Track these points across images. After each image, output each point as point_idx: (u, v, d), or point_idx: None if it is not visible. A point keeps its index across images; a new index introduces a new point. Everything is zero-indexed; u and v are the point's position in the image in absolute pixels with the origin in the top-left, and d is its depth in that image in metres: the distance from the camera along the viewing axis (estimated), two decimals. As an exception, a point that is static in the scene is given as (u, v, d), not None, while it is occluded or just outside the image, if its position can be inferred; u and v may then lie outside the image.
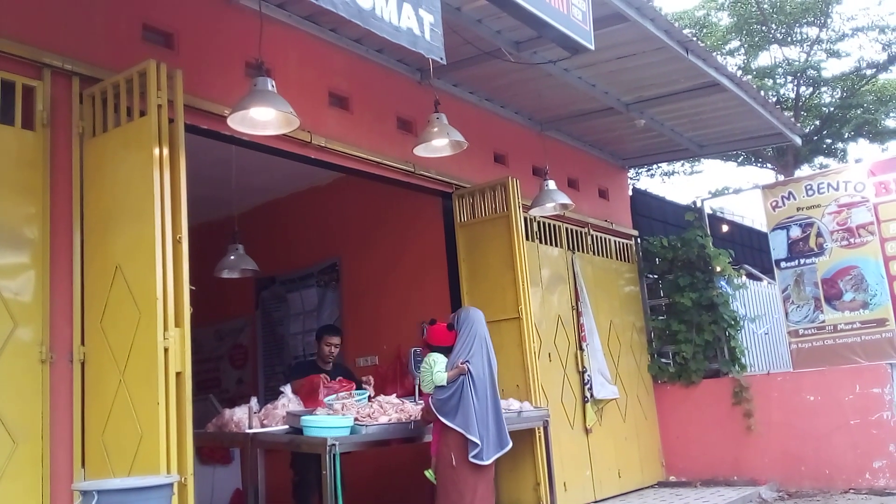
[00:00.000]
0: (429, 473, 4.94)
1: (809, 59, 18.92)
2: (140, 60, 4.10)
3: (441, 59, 3.98)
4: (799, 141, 9.36)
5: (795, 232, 8.57)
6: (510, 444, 4.95)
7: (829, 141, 20.05)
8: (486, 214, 6.71)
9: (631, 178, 11.87)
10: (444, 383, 4.80)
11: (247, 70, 5.07)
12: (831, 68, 19.26)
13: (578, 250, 8.16)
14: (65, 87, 4.18)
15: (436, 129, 5.22)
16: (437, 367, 4.86)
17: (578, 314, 7.80)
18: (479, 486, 4.79)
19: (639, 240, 9.36)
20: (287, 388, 5.49)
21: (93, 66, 4.27)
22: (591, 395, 7.64)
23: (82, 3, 4.34)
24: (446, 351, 4.99)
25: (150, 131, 3.95)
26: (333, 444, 4.47)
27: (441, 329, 5.11)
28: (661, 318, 9.13)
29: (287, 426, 5.02)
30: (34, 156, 3.98)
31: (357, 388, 5.58)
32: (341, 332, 6.80)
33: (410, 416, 5.13)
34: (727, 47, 19.32)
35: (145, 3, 4.66)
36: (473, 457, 4.72)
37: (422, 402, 5.22)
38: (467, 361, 4.87)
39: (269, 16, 5.19)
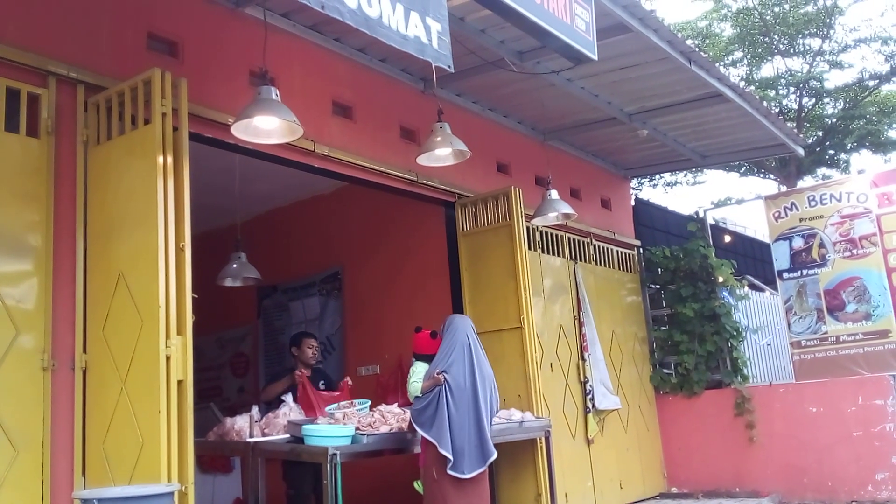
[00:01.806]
0: (417, 485, 4.91)
1: (812, 70, 18.93)
2: (145, 69, 4.11)
3: (449, 66, 3.98)
4: (801, 152, 9.36)
5: (798, 243, 8.56)
6: (494, 455, 4.86)
7: (831, 152, 20.02)
8: (488, 224, 6.72)
9: (633, 189, 11.87)
10: (419, 394, 4.76)
11: (251, 79, 5.08)
12: (834, 79, 19.31)
13: (581, 260, 8.15)
14: (69, 95, 4.19)
15: (439, 139, 5.23)
16: (413, 377, 4.84)
17: (580, 324, 7.79)
18: (464, 500, 4.70)
19: (641, 250, 9.36)
20: (288, 397, 5.48)
21: (98, 75, 4.28)
22: (593, 406, 7.62)
23: (88, 11, 4.36)
24: (430, 359, 4.95)
25: (154, 139, 3.96)
26: (334, 454, 4.47)
27: (424, 337, 5.09)
28: (663, 328, 9.12)
29: (288, 435, 5.01)
30: (38, 163, 3.99)
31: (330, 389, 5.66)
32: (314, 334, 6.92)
33: (411, 426, 5.12)
34: (730, 58, 19.33)
35: (150, 11, 4.68)
36: (451, 469, 4.65)
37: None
38: (444, 371, 4.80)
39: (273, 25, 5.21)
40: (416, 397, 4.79)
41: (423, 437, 4.80)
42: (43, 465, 3.78)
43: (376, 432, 4.90)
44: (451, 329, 5.03)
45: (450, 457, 4.63)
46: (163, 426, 3.67)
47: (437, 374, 4.78)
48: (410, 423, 4.90)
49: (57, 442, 3.86)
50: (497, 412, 5.28)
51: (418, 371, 4.88)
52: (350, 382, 5.98)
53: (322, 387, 6.28)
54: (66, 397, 3.95)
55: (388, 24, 3.68)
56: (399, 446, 5.06)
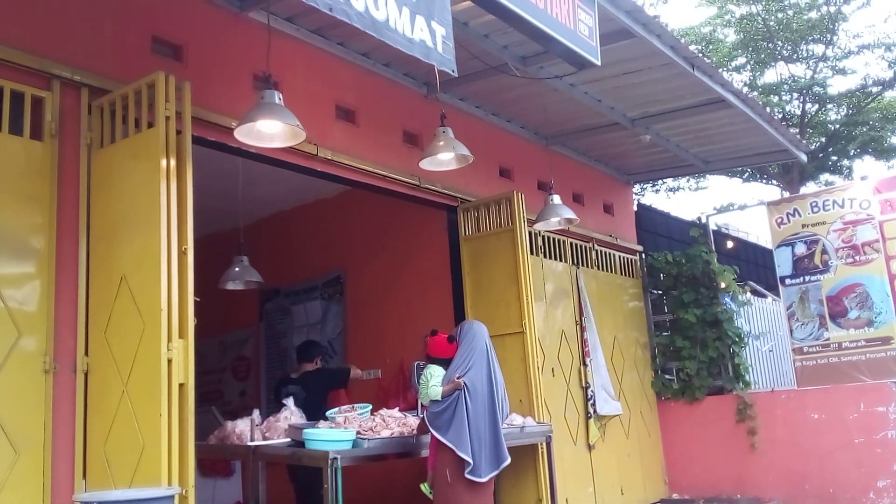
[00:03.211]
0: (424, 487, 4.89)
1: (815, 76, 18.94)
2: (149, 72, 4.12)
3: (453, 71, 3.99)
4: (804, 158, 9.36)
5: (800, 249, 8.55)
6: (508, 461, 4.86)
7: (834, 158, 20.02)
8: (490, 228, 6.72)
9: (636, 194, 11.85)
10: (439, 397, 4.75)
11: (254, 83, 5.10)
12: (837, 85, 19.25)
13: (583, 265, 8.15)
14: (74, 98, 4.20)
15: (442, 143, 5.23)
16: (432, 381, 4.81)
17: (582, 329, 7.78)
18: (476, 503, 4.72)
19: (643, 255, 9.35)
20: (290, 401, 5.48)
21: (102, 78, 4.29)
22: (595, 411, 7.61)
23: (92, 14, 4.38)
24: (445, 363, 4.94)
25: (158, 143, 3.97)
26: (335, 458, 4.46)
27: (441, 340, 5.07)
28: (665, 333, 9.11)
29: (289, 439, 5.00)
30: (42, 166, 4.00)
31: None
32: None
33: (413, 430, 5.11)
34: (733, 64, 19.33)
35: (155, 15, 4.70)
36: (469, 473, 4.66)
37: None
38: (464, 375, 4.81)
39: (277, 29, 5.22)
40: (434, 401, 4.77)
41: (433, 440, 4.80)
42: (44, 467, 3.77)
43: (377, 436, 4.89)
44: (469, 334, 5.02)
45: (470, 460, 4.64)
46: (164, 429, 3.67)
47: (458, 378, 4.78)
48: (421, 425, 4.90)
49: (58, 444, 3.86)
50: (507, 418, 5.29)
51: (437, 374, 4.85)
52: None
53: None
54: (67, 400, 3.96)
55: (394, 27, 3.70)
56: (400, 451, 5.06)
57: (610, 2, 5.29)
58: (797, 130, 17.30)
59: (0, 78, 3.91)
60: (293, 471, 6.16)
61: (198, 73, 4.72)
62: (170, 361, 3.76)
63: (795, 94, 19.22)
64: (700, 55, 6.52)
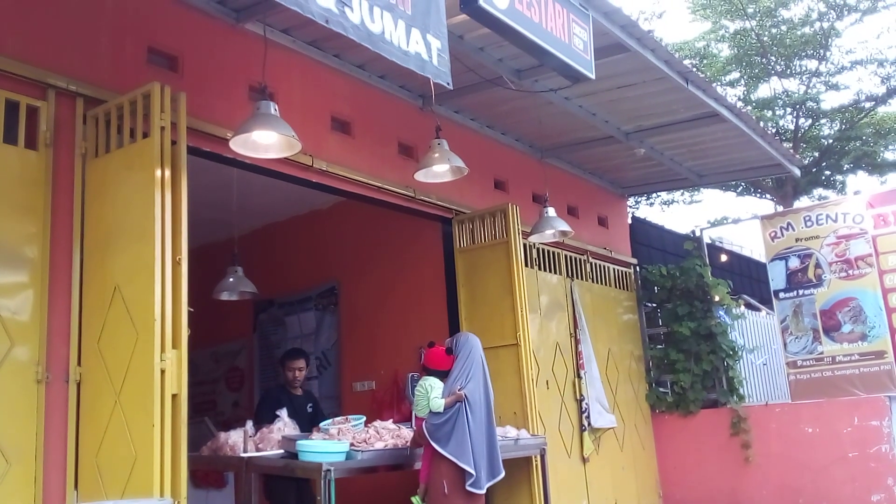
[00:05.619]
0: (415, 500, 4.88)
1: (809, 91, 19.03)
2: (144, 82, 4.13)
3: (448, 83, 4.01)
4: (798, 172, 9.40)
5: (794, 263, 8.58)
6: (503, 473, 4.87)
7: (828, 173, 20.09)
8: (485, 240, 6.72)
9: (630, 207, 11.89)
10: (442, 409, 4.76)
11: (250, 93, 5.11)
12: (830, 101, 19.35)
13: (577, 278, 8.16)
14: (69, 108, 4.20)
15: (437, 155, 5.25)
16: (433, 393, 4.81)
17: (577, 342, 7.78)
18: None
19: (638, 268, 9.37)
20: (283, 412, 5.45)
21: (97, 88, 4.30)
22: (589, 424, 7.60)
23: (88, 24, 4.39)
24: (442, 375, 4.94)
25: (153, 153, 3.97)
26: (329, 470, 4.44)
27: (440, 353, 5.06)
28: (659, 346, 9.12)
29: (282, 450, 4.98)
30: (36, 175, 4.00)
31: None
32: (306, 354, 6.58)
33: (407, 441, 5.09)
34: (727, 78, 19.42)
35: (151, 25, 4.71)
36: (471, 485, 4.66)
37: (419, 427, 5.17)
38: (463, 388, 4.82)
39: (273, 41, 5.23)
40: (435, 413, 4.76)
41: (427, 452, 4.79)
42: (35, 478, 3.75)
43: (371, 448, 4.87)
44: (466, 346, 5.03)
45: (472, 472, 4.65)
46: (156, 440, 3.66)
47: (459, 390, 4.79)
48: (416, 438, 4.89)
49: (50, 455, 3.84)
50: None
51: (437, 386, 4.85)
52: None
53: (310, 410, 6.22)
54: (59, 410, 3.94)
55: (390, 39, 3.71)
56: (394, 463, 5.04)
57: (605, 16, 5.32)
58: (790, 145, 17.34)
59: (-4, 87, 3.92)
60: (269, 490, 6.05)
61: (193, 84, 4.73)
62: (163, 372, 3.75)
63: (789, 109, 19.30)
64: (694, 70, 6.55)
